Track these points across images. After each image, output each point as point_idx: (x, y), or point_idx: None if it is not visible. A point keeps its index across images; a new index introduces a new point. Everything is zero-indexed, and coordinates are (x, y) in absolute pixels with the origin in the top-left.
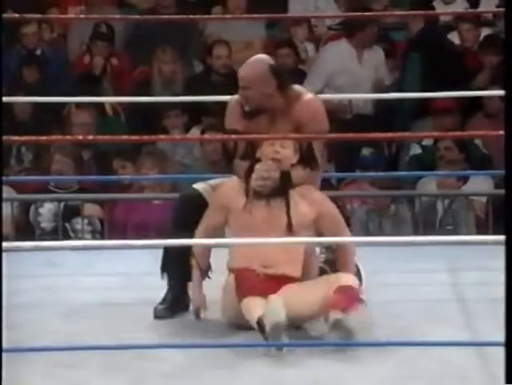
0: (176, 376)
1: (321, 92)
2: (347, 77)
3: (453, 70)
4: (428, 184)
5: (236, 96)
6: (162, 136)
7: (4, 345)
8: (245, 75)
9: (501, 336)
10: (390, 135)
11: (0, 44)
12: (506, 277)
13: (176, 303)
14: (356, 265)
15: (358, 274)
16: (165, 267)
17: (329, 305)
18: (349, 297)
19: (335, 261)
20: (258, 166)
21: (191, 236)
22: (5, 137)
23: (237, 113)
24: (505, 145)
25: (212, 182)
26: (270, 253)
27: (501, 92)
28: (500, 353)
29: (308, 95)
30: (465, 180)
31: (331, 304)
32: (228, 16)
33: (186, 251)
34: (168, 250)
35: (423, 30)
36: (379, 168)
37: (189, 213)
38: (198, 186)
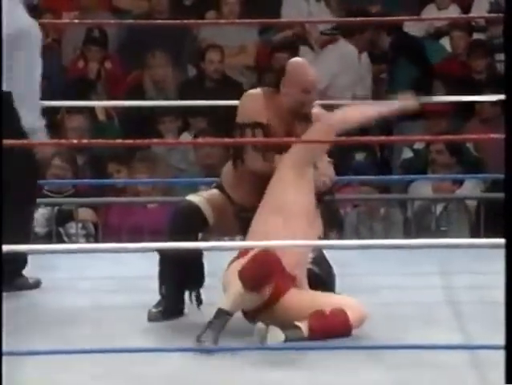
0: (170, 379)
1: (324, 92)
2: (349, 76)
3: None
4: (421, 188)
5: (256, 90)
6: (156, 140)
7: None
8: (314, 79)
9: (493, 339)
10: (382, 138)
11: (0, 50)
12: (506, 280)
13: (170, 307)
14: (330, 266)
15: (331, 275)
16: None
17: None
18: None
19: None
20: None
21: (189, 249)
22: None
23: (262, 107)
24: (505, 149)
25: (204, 193)
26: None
27: (500, 97)
28: (493, 356)
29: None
30: (460, 183)
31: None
32: (222, 21)
33: (182, 257)
34: (163, 257)
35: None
36: (372, 173)
37: (188, 228)
38: (193, 198)
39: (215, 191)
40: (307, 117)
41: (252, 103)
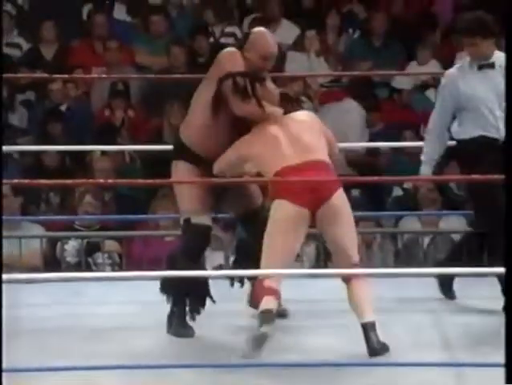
0: None
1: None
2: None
3: None
4: (410, 222)
5: (233, 49)
6: (173, 180)
7: (32, 364)
8: (273, 50)
9: (480, 359)
10: (376, 178)
11: (0, 83)
12: (506, 304)
13: (181, 325)
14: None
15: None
16: (167, 290)
17: None
18: None
19: None
20: None
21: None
22: (35, 181)
23: (241, 62)
24: (505, 181)
25: (196, 203)
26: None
27: None
28: (478, 376)
29: None
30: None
31: None
32: None
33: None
34: (167, 282)
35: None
36: (365, 208)
37: (202, 249)
38: (199, 220)
39: (187, 168)
40: (261, 80)
41: (235, 57)
